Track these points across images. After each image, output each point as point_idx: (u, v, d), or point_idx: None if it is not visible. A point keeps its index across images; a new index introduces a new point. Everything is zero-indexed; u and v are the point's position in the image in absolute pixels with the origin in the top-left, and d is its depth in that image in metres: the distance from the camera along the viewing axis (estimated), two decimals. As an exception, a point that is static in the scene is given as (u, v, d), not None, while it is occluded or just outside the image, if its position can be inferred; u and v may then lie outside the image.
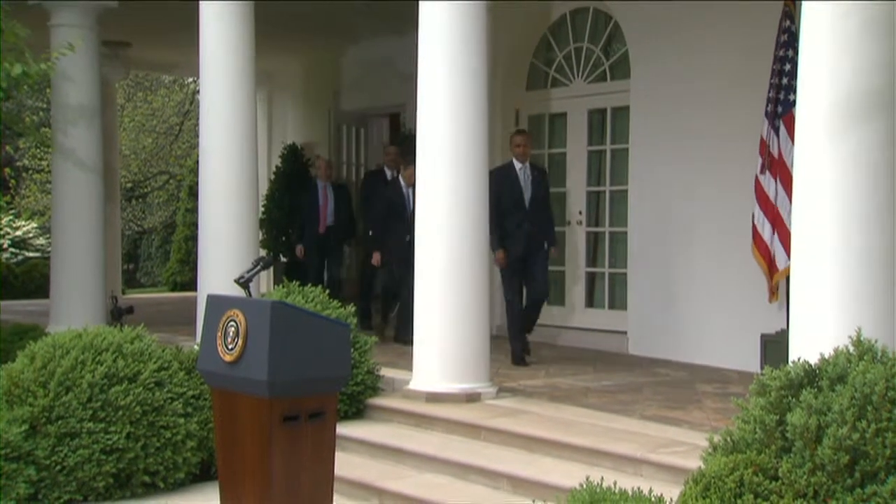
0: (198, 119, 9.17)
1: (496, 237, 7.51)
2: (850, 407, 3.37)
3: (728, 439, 3.67)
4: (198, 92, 13.27)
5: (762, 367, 3.83)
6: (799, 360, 3.74)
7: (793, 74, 4.78)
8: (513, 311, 7.98)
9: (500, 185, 7.56)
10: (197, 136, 9.40)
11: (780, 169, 6.92)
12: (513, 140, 8.17)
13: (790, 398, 3.59)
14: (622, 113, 9.09)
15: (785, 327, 6.69)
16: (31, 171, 22.65)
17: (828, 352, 3.68)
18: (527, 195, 7.88)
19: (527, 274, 7.97)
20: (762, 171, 7.04)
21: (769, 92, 7.05)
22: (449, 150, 6.62)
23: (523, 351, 7.99)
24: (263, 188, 12.45)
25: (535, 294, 8.07)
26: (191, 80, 21.93)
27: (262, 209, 11.63)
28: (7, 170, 23.13)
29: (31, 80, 8.01)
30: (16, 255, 17.65)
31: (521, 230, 7.83)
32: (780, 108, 6.91)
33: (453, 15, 6.58)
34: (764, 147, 7.07)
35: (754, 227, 7.18)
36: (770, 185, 7.01)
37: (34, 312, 11.28)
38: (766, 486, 3.40)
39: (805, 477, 3.35)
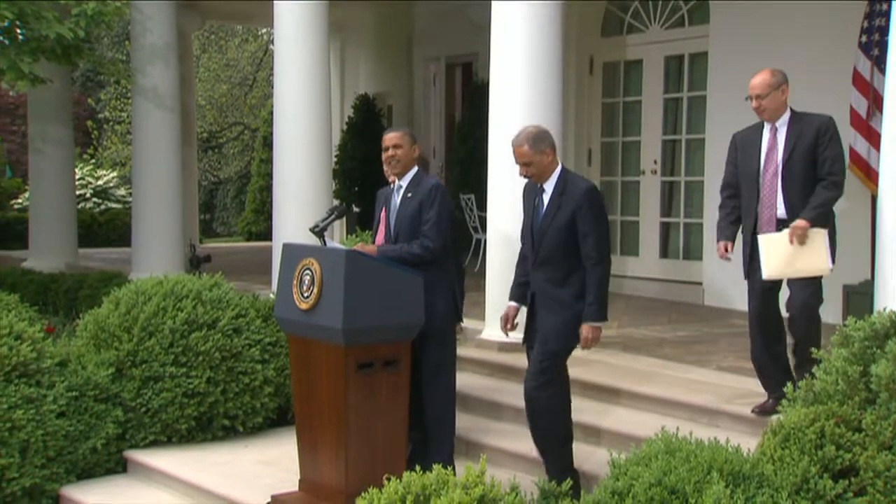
0: (271, 70, 9.23)
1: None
2: (939, 359, 3.28)
3: (809, 390, 3.60)
4: (272, 42, 13.32)
5: (844, 319, 3.72)
6: (885, 310, 3.64)
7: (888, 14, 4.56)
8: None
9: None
10: (271, 86, 9.48)
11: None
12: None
13: (874, 349, 3.50)
14: (700, 59, 8.85)
15: (869, 278, 6.52)
16: (111, 123, 23.19)
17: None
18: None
19: None
20: (869, 117, 6.74)
21: (862, 35, 6.75)
22: (524, 99, 6.54)
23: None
24: (336, 139, 12.51)
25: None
26: (264, 30, 22.08)
27: (334, 160, 11.69)
28: (89, 122, 23.72)
29: (107, 18, 8.21)
30: (98, 204, 18.16)
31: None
32: (878, 50, 6.64)
33: (528, -41, 6.45)
34: (861, 81, 6.77)
35: (851, 149, 6.88)
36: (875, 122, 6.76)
37: (117, 260, 11.63)
38: (849, 437, 3.33)
39: (890, 429, 3.28)
